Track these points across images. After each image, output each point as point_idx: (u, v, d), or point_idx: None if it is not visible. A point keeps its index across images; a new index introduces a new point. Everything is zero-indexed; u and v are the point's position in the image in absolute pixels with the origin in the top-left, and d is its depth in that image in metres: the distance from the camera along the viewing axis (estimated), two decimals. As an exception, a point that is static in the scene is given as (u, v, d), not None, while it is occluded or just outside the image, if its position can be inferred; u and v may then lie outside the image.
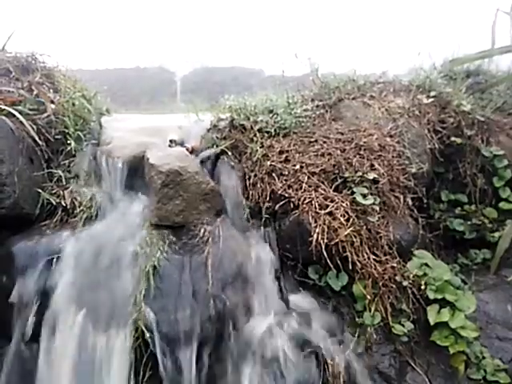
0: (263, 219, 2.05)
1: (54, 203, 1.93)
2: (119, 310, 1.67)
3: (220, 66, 6.83)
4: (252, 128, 2.23)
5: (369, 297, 1.90)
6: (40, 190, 1.93)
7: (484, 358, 1.96)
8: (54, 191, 1.96)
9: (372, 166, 2.11)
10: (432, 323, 1.90)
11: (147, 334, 1.62)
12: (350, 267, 1.90)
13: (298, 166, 2.07)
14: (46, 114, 2.05)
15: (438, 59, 3.00)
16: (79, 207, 1.93)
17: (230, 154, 2.20)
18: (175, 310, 1.68)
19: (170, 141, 2.24)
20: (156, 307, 1.67)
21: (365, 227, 1.96)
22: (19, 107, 1.98)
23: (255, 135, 2.20)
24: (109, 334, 1.64)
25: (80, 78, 2.51)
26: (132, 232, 1.87)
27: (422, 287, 1.94)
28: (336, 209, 1.94)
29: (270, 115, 2.29)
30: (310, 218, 1.92)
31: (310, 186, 2.01)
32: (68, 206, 1.93)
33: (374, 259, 1.93)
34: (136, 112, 3.05)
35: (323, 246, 1.87)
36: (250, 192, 2.10)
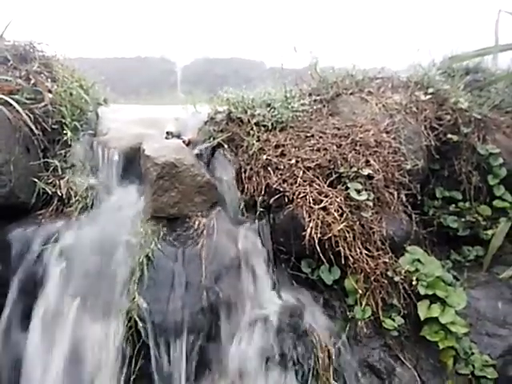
0: (258, 213, 2.07)
1: (50, 193, 1.94)
2: (113, 300, 1.69)
3: (221, 58, 6.79)
4: (249, 121, 2.23)
5: (360, 291, 1.92)
6: (36, 180, 1.94)
7: (473, 353, 1.99)
8: (49, 181, 1.97)
9: (367, 161, 2.12)
10: (422, 318, 1.92)
11: (140, 324, 1.65)
12: (343, 262, 1.92)
13: (293, 161, 2.08)
14: (43, 104, 2.06)
15: (438, 56, 3.00)
16: (75, 197, 1.94)
17: (226, 146, 2.20)
18: (168, 301, 1.70)
19: (167, 133, 2.24)
20: (149, 297, 1.69)
21: (358, 222, 1.97)
22: (16, 96, 1.98)
23: (252, 129, 2.20)
24: (102, 323, 1.66)
25: (79, 67, 2.50)
26: (127, 223, 1.89)
27: (414, 283, 1.96)
28: (330, 204, 1.95)
29: (268, 109, 2.28)
30: (304, 212, 1.94)
31: (304, 181, 2.02)
32: (64, 196, 1.94)
33: (366, 254, 1.95)
34: (134, 102, 3.04)
35: (316, 241, 1.88)
36: (246, 185, 2.11)
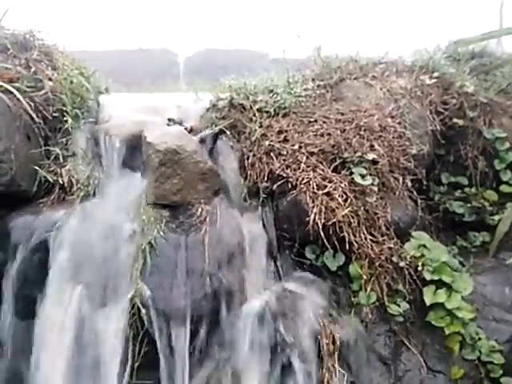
0: (261, 199, 2.04)
1: (52, 181, 1.93)
2: (116, 287, 1.69)
3: (223, 49, 6.74)
4: (251, 107, 2.20)
5: (365, 277, 1.90)
6: (37, 168, 1.92)
7: (479, 339, 1.97)
8: (51, 169, 1.96)
9: (372, 146, 2.09)
10: (428, 304, 1.90)
11: (143, 311, 1.64)
12: (347, 247, 1.90)
13: (296, 146, 2.05)
14: (43, 92, 2.04)
15: (443, 40, 2.95)
16: (76, 185, 1.93)
17: (228, 133, 2.17)
18: (171, 288, 1.69)
19: (169, 119, 2.22)
20: (152, 284, 1.68)
21: (363, 208, 1.95)
22: (16, 84, 1.96)
23: (254, 115, 2.17)
24: (105, 310, 1.66)
25: (80, 58, 2.47)
26: (129, 210, 1.88)
27: (419, 268, 1.94)
28: (334, 189, 1.93)
29: (270, 95, 2.25)
30: (308, 198, 1.91)
31: (308, 166, 1.99)
32: (65, 184, 1.92)
33: (371, 240, 1.93)
34: (136, 91, 3.02)
35: (320, 226, 1.87)
36: (248, 172, 2.09)
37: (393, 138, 2.17)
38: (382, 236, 1.98)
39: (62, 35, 2.50)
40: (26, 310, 1.67)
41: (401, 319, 1.92)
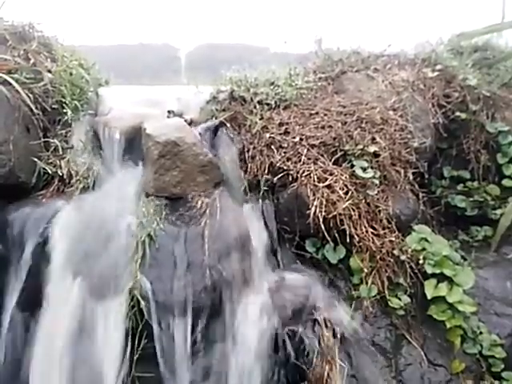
0: (261, 192, 2.03)
1: (51, 173, 1.91)
2: (115, 279, 1.67)
3: (225, 43, 6.71)
4: (252, 100, 2.19)
5: (366, 270, 1.89)
6: (36, 160, 1.91)
7: (481, 333, 1.96)
8: (50, 161, 1.94)
9: (373, 139, 2.08)
10: (429, 297, 1.89)
11: (143, 303, 1.63)
12: (348, 240, 1.89)
13: (297, 139, 2.04)
14: (42, 83, 2.02)
15: (446, 33, 2.93)
16: (76, 177, 1.91)
17: (229, 126, 2.16)
18: (171, 280, 1.68)
19: (169, 112, 2.21)
20: (152, 276, 1.67)
21: (364, 201, 1.94)
22: (15, 75, 1.94)
23: (255, 107, 2.16)
24: (104, 303, 1.64)
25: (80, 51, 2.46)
26: (128, 202, 1.86)
27: (421, 262, 1.93)
28: (335, 182, 1.92)
29: (271, 87, 2.24)
30: (309, 190, 1.90)
31: (309, 159, 1.98)
32: (64, 176, 1.91)
33: (372, 233, 1.92)
34: (136, 84, 3.00)
35: (321, 219, 1.86)
36: (249, 164, 2.08)
37: (394, 130, 2.16)
38: (384, 229, 1.96)
39: (62, 30, 2.48)
40: (26, 301, 1.66)
41: (402, 313, 1.91)
